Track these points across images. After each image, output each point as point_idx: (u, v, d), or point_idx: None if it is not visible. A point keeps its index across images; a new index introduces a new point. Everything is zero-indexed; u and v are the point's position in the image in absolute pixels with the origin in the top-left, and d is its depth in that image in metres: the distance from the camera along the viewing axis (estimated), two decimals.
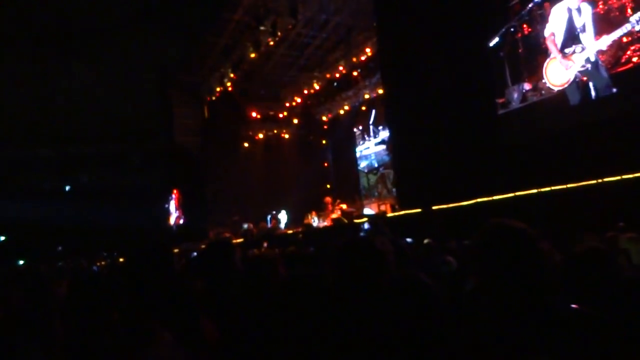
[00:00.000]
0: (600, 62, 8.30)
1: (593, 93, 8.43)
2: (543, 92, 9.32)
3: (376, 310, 1.27)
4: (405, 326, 1.21)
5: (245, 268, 2.44)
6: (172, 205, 22.46)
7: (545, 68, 9.16)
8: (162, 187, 23.17)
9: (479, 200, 8.86)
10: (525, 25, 9.61)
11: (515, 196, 8.27)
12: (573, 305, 1.53)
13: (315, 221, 16.61)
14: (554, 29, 9.03)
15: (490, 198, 8.67)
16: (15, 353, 1.55)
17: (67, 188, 27.53)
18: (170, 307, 1.67)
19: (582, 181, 7.47)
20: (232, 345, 1.93)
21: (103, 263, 7.91)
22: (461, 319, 1.63)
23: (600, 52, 8.28)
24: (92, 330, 1.58)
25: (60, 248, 19.91)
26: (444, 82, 10.08)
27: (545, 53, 9.20)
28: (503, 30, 9.78)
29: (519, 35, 9.68)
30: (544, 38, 9.20)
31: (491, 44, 9.93)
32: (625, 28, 7.91)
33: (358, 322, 1.37)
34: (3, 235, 25.52)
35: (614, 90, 8.07)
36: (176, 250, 14.00)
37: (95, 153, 26.62)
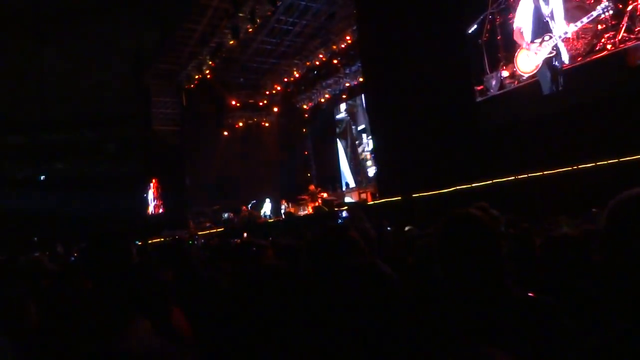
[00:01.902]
0: (563, 52, 8.50)
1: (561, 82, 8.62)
2: (521, 79, 9.43)
3: (337, 298, 1.28)
4: (362, 314, 1.23)
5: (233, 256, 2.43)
6: (151, 195, 22.17)
7: (516, 58, 9.34)
8: (140, 176, 22.84)
9: (459, 187, 8.94)
10: (502, 13, 9.67)
11: (494, 183, 8.37)
12: (530, 294, 1.58)
13: (283, 209, 16.77)
14: (521, 21, 9.18)
15: (469, 185, 8.76)
16: None
17: (42, 177, 26.94)
18: (138, 296, 1.63)
19: (558, 168, 7.59)
20: (204, 334, 1.91)
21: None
22: (427, 306, 1.68)
23: (573, 39, 8.40)
24: (66, 318, 1.54)
25: (36, 238, 19.51)
26: (423, 69, 10.09)
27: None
28: (481, 17, 9.82)
29: (497, 22, 9.74)
30: (513, 30, 9.34)
31: (469, 31, 9.99)
32: (592, 15, 8.03)
33: (323, 309, 1.38)
34: None
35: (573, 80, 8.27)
36: (156, 241, 13.84)
37: (69, 141, 26.10)
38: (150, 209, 22.14)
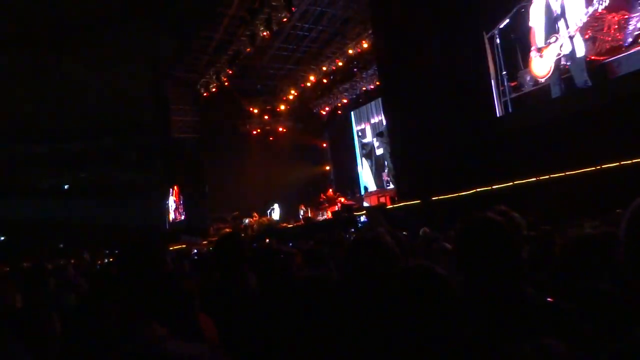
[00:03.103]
0: (575, 50, 8.30)
1: (576, 82, 8.44)
2: (539, 83, 9.22)
3: (387, 305, 1.26)
4: (419, 320, 1.20)
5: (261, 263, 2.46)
6: (172, 202, 22.46)
7: (530, 63, 9.12)
8: (161, 183, 23.16)
9: (478, 189, 8.86)
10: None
11: (514, 184, 8.28)
12: (549, 299, 1.57)
13: (301, 214, 16.78)
14: (534, 21, 9.00)
15: (489, 187, 8.67)
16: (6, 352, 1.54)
17: (66, 186, 27.50)
18: (165, 304, 1.67)
19: (580, 168, 7.46)
20: (232, 342, 1.94)
21: (105, 260, 7.93)
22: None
23: (584, 40, 8.21)
24: (90, 328, 1.59)
25: (61, 245, 19.91)
26: (441, 72, 10.03)
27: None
28: (514, 11, 9.53)
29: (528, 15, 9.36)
30: (530, 29, 9.12)
31: (501, 26, 9.71)
32: (591, 8, 7.88)
33: (369, 320, 1.38)
34: (3, 235, 25.51)
35: (589, 82, 8.06)
36: (177, 248, 14.01)
37: (91, 149, 26.59)
38: (172, 216, 22.43)
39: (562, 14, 8.51)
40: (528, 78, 9.36)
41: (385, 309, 1.32)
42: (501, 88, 9.91)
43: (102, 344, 1.23)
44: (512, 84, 9.67)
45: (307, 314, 1.57)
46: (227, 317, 2.26)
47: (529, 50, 9.28)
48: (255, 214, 17.84)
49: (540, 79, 9.03)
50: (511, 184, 8.32)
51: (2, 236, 25.75)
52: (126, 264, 1.67)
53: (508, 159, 8.98)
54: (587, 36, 8.17)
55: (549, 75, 8.81)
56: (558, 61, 8.61)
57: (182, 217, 21.56)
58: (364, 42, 16.71)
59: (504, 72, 9.82)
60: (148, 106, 22.32)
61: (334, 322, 1.52)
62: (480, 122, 9.83)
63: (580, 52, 8.29)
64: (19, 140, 25.14)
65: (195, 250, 9.52)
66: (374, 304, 1.56)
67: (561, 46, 8.50)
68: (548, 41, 8.82)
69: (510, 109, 9.79)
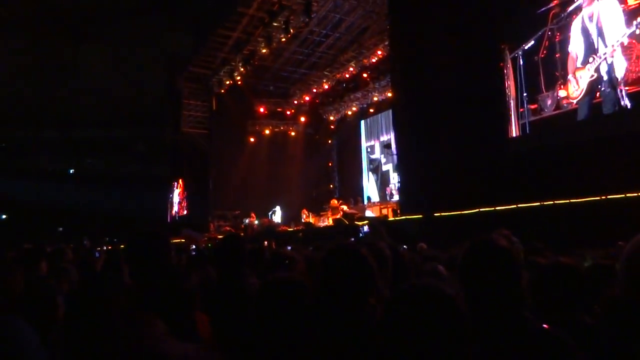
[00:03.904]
0: (612, 74, 8.12)
1: (604, 108, 8.25)
2: (569, 105, 8.94)
3: (385, 324, 1.23)
4: (421, 344, 1.16)
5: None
6: (176, 196, 22.52)
7: (567, 86, 8.87)
8: (166, 176, 23.25)
9: (481, 209, 8.84)
10: (562, 30, 9.02)
11: (518, 208, 8.25)
12: (544, 325, 1.57)
13: (303, 218, 16.76)
14: (573, 45, 8.81)
15: (492, 208, 8.65)
16: (15, 335, 1.56)
17: (71, 171, 27.66)
18: (166, 298, 1.69)
19: (586, 197, 7.42)
20: (227, 341, 1.95)
21: (105, 248, 7.97)
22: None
23: (618, 66, 8.03)
24: (91, 317, 1.60)
25: (60, 229, 20.00)
26: (456, 88, 10.04)
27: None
28: (540, 33, 9.38)
29: (557, 39, 9.08)
30: (568, 53, 8.92)
31: (526, 47, 9.58)
32: (629, 29, 7.77)
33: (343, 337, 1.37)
34: (5, 214, 25.66)
35: (624, 104, 7.89)
36: (176, 241, 14.04)
37: (100, 138, 26.76)
38: (175, 210, 22.48)
39: (599, 37, 8.39)
40: (549, 102, 9.15)
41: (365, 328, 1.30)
42: (520, 110, 9.75)
43: (101, 336, 1.25)
44: (532, 107, 9.46)
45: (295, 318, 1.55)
46: (223, 316, 2.27)
47: (554, 73, 9.16)
48: (253, 214, 17.87)
49: (567, 103, 8.81)
50: (515, 206, 8.29)
51: (5, 215, 25.90)
52: (134, 252, 1.70)
53: (516, 181, 8.91)
54: (620, 62, 8.04)
55: (578, 98, 8.65)
56: (590, 85, 8.46)
57: (185, 212, 21.60)
58: (379, 52, 16.76)
59: (525, 94, 9.70)
60: (161, 99, 22.45)
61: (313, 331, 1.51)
62: (492, 141, 9.75)
63: (614, 77, 8.11)
64: (31, 124, 25.35)
65: (194, 246, 9.54)
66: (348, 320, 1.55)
67: (595, 69, 8.39)
68: (581, 64, 8.65)
69: (527, 132, 9.62)
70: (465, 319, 1.25)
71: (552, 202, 7.84)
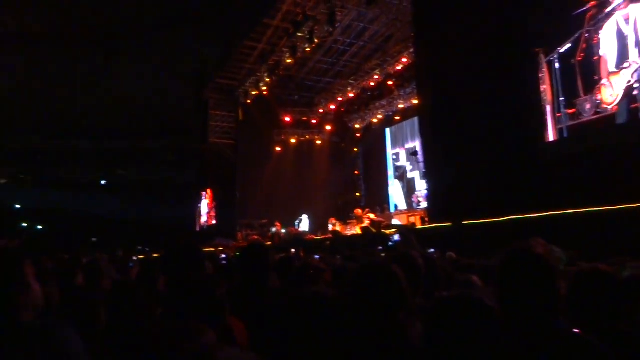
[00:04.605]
0: None
1: None
2: (604, 111, 8.63)
3: (427, 337, 1.23)
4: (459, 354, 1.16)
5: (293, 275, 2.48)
6: (205, 205, 22.81)
7: (600, 91, 8.61)
8: (195, 186, 23.61)
9: (513, 217, 8.66)
10: (600, 32, 8.65)
11: (551, 215, 8.04)
12: (575, 330, 1.57)
13: (330, 227, 16.73)
14: (605, 48, 8.56)
15: (524, 216, 8.46)
16: (57, 342, 1.60)
17: (103, 182, 28.35)
18: (203, 305, 1.72)
19: (628, 203, 7.14)
20: (261, 347, 1.97)
21: (136, 258, 8.12)
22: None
23: None
24: (133, 323, 1.64)
25: (94, 239, 20.49)
26: (483, 93, 9.90)
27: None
28: (576, 35, 9.08)
29: (595, 41, 8.75)
30: (601, 57, 8.65)
31: (562, 50, 9.34)
32: None
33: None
34: (41, 225, 26.45)
35: None
36: (208, 250, 14.20)
37: (130, 148, 27.39)
38: (204, 219, 22.76)
39: (635, 40, 8.14)
40: (588, 106, 8.82)
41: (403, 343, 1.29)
42: (557, 115, 9.46)
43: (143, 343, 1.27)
44: (570, 112, 9.16)
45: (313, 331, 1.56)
46: (248, 323, 2.30)
47: (593, 77, 8.89)
48: (277, 223, 17.97)
49: (605, 107, 8.54)
50: (548, 214, 8.09)
51: (41, 225, 26.72)
52: (171, 263, 1.73)
53: (549, 188, 8.67)
54: None
55: (616, 102, 8.37)
56: (628, 89, 8.20)
57: (214, 222, 21.84)
58: (404, 59, 16.71)
59: (562, 98, 9.41)
60: (189, 110, 22.89)
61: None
62: (523, 147, 9.52)
63: None
64: (64, 135, 26.16)
65: (224, 255, 9.63)
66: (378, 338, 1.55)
67: (633, 73, 8.11)
68: (618, 67, 8.39)
69: (565, 137, 9.33)
70: (501, 328, 1.24)
71: (587, 210, 7.61)
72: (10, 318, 1.66)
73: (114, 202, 25.46)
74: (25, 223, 26.61)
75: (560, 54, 9.28)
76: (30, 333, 1.59)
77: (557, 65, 9.40)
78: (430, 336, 1.28)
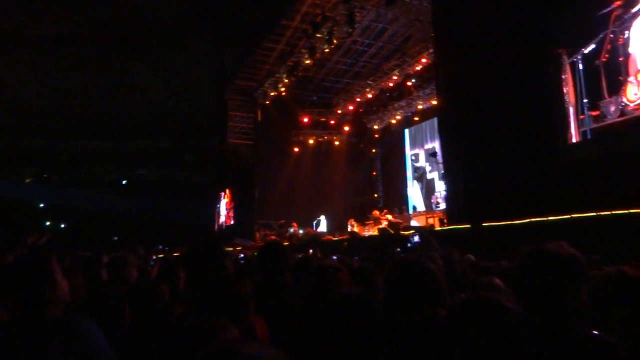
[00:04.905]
0: None
1: None
2: (628, 112, 8.42)
3: (442, 338, 1.24)
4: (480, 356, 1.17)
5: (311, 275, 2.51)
6: (223, 205, 23.00)
7: (625, 90, 8.42)
8: (214, 186, 23.83)
9: (533, 219, 8.54)
10: (625, 32, 8.46)
11: (572, 218, 7.91)
12: (594, 332, 1.55)
13: (349, 228, 16.69)
14: (634, 46, 8.35)
15: (545, 218, 8.34)
16: (82, 336, 1.65)
17: (124, 182, 28.80)
18: (227, 303, 1.74)
19: None
20: (282, 345, 1.99)
21: (156, 257, 8.25)
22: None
23: None
24: (155, 319, 1.68)
25: (115, 238, 20.85)
26: (503, 94, 9.78)
27: None
28: (601, 35, 8.83)
29: (620, 41, 8.55)
30: (629, 55, 8.43)
31: (586, 51, 9.15)
32: None
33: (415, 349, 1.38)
34: (64, 223, 26.99)
35: None
36: (227, 250, 14.31)
37: (150, 149, 27.78)
38: (222, 220, 22.95)
39: None
40: (613, 108, 8.59)
41: (438, 342, 1.30)
42: (580, 117, 9.26)
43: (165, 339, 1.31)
44: (594, 114, 8.94)
45: (346, 332, 1.58)
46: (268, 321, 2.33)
47: (617, 78, 8.67)
48: (294, 223, 18.02)
49: (632, 109, 8.32)
50: (569, 216, 7.96)
51: (64, 224, 27.30)
52: (193, 261, 1.76)
53: (570, 190, 8.50)
54: None
55: (637, 101, 8.15)
56: None
57: (232, 222, 22.00)
58: (423, 59, 16.62)
59: (585, 100, 9.22)
60: (208, 111, 23.13)
61: (375, 345, 1.53)
62: (545, 149, 9.36)
63: None
64: (87, 136, 26.66)
65: (242, 255, 9.71)
66: (420, 334, 1.55)
67: None
68: None
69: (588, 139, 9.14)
70: (524, 330, 1.24)
71: (609, 212, 7.47)
72: (39, 312, 1.72)
73: (134, 202, 25.85)
74: (49, 221, 27.20)
75: (584, 55, 9.07)
76: (56, 327, 1.64)
77: (580, 66, 9.19)
78: (449, 338, 1.29)
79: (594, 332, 1.56)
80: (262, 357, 0.79)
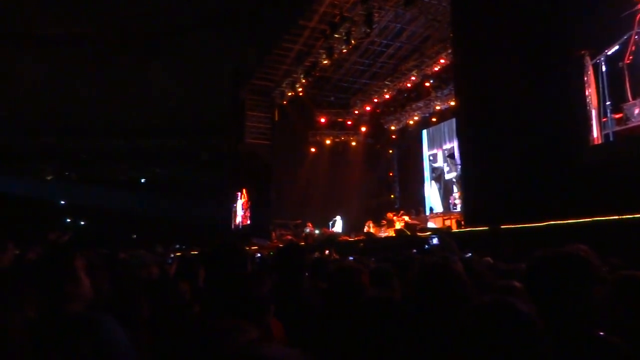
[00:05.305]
0: None
1: None
2: None
3: (461, 342, 1.23)
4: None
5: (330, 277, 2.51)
6: (240, 205, 23.14)
7: None
8: (230, 186, 23.98)
9: (552, 222, 8.41)
10: None
11: (594, 221, 7.77)
12: (600, 333, 1.56)
13: (365, 229, 16.64)
14: None
15: (564, 221, 8.21)
16: (102, 331, 1.68)
17: (142, 180, 29.15)
18: (246, 303, 1.75)
19: None
20: (299, 346, 1.99)
21: (173, 255, 8.33)
22: None
23: None
24: (175, 317, 1.70)
25: (134, 236, 21.12)
26: (523, 96, 9.65)
27: None
28: (625, 37, 8.78)
29: None
30: None
31: (609, 53, 8.99)
32: None
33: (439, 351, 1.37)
34: (84, 221, 27.45)
35: None
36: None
37: (168, 147, 28.07)
38: (239, 219, 23.08)
39: None
40: (637, 111, 8.39)
41: (456, 346, 1.29)
42: (603, 120, 9.08)
43: (193, 341, 1.32)
44: (617, 116, 8.75)
45: (372, 334, 1.58)
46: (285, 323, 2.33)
47: None
48: (309, 224, 18.03)
49: None
50: (590, 219, 7.81)
51: (83, 221, 27.76)
52: (213, 260, 1.78)
53: (592, 193, 8.34)
54: None
55: None
56: None
57: (248, 222, 22.11)
58: (441, 60, 16.49)
59: (608, 103, 9.03)
60: (226, 111, 23.28)
61: (400, 347, 1.53)
62: (567, 150, 9.21)
63: None
64: (105, 135, 27.07)
65: (259, 254, 9.75)
66: (442, 336, 1.54)
67: None
68: None
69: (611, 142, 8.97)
70: (541, 334, 1.23)
71: (631, 216, 7.32)
72: (60, 308, 1.74)
73: (152, 201, 26.15)
74: (69, 218, 27.69)
75: (608, 57, 8.88)
76: (76, 322, 1.67)
77: (603, 68, 9.00)
78: (466, 342, 1.28)
79: (600, 333, 1.56)
80: (281, 358, 0.79)
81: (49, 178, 28.05)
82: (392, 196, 21.58)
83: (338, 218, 18.88)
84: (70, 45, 21.69)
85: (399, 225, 15.03)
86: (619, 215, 7.51)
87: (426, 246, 8.36)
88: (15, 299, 1.49)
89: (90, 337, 1.62)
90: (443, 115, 18.55)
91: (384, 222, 16.28)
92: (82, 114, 25.22)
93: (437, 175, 19.45)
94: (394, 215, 16.10)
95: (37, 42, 21.26)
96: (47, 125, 25.42)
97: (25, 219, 22.28)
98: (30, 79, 22.58)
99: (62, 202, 28.38)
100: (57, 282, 1.74)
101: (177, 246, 15.25)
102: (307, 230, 17.93)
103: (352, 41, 15.22)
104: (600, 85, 9.04)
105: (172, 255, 7.47)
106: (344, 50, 15.88)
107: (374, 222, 17.04)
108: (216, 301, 1.78)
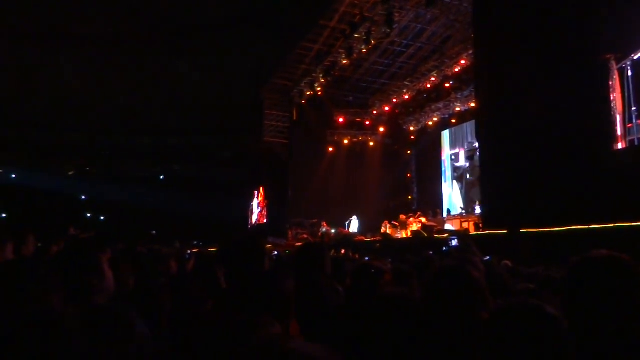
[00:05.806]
0: None
1: None
2: None
3: (485, 345, 1.21)
4: None
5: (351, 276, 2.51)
6: (256, 203, 23.25)
7: None
8: (248, 184, 24.10)
9: (573, 227, 8.27)
10: None
11: (616, 227, 7.62)
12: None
13: (382, 229, 16.57)
14: None
15: (586, 226, 8.06)
16: (124, 324, 1.71)
17: (162, 177, 29.48)
18: (263, 301, 1.76)
19: None
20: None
21: (190, 251, 8.42)
22: None
23: None
24: (197, 311, 1.72)
25: (154, 232, 21.35)
26: (544, 99, 9.51)
27: None
28: None
29: None
30: None
31: (635, 57, 8.75)
32: None
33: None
34: (104, 216, 27.88)
35: None
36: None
37: (187, 145, 28.33)
38: (255, 218, 23.20)
39: None
40: None
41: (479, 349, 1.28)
42: (628, 126, 8.88)
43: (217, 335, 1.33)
44: None
45: (391, 332, 1.57)
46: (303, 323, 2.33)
47: None
48: (324, 223, 18.03)
49: None
50: (613, 225, 7.66)
51: (103, 216, 28.21)
52: (232, 256, 1.79)
53: (615, 198, 8.17)
54: None
55: None
56: None
57: (265, 220, 22.21)
58: (462, 61, 16.32)
59: (634, 108, 8.82)
60: (245, 109, 23.41)
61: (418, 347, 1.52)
62: (590, 155, 9.04)
63: None
64: (126, 131, 27.45)
65: (276, 252, 9.79)
66: (460, 340, 1.53)
67: None
68: None
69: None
70: (567, 338, 1.21)
71: None
72: (84, 301, 1.78)
73: (171, 197, 26.44)
74: (90, 213, 28.16)
75: (634, 61, 8.70)
76: (99, 315, 1.70)
77: (629, 72, 8.81)
78: (489, 345, 1.27)
79: None
80: (308, 352, 0.79)
81: (70, 173, 28.54)
82: (409, 197, 21.46)
83: (354, 218, 18.85)
84: (100, 43, 22.03)
85: (414, 227, 14.94)
86: None
87: (445, 248, 8.29)
88: (39, 289, 1.52)
89: (117, 329, 1.65)
90: (463, 117, 18.39)
91: (397, 223, 16.20)
92: (105, 111, 25.61)
93: (459, 174, 19.26)
94: (408, 217, 16.01)
95: (69, 40, 21.64)
96: (70, 121, 25.88)
97: (47, 213, 22.72)
98: (59, 76, 23.02)
99: (83, 197, 28.87)
100: (82, 274, 1.77)
101: (195, 242, 15.38)
102: (324, 229, 17.94)
103: (372, 41, 15.17)
104: (626, 90, 8.85)
105: (189, 251, 7.54)
106: (364, 50, 15.84)
107: (390, 223, 16.97)
108: (238, 297, 1.79)
